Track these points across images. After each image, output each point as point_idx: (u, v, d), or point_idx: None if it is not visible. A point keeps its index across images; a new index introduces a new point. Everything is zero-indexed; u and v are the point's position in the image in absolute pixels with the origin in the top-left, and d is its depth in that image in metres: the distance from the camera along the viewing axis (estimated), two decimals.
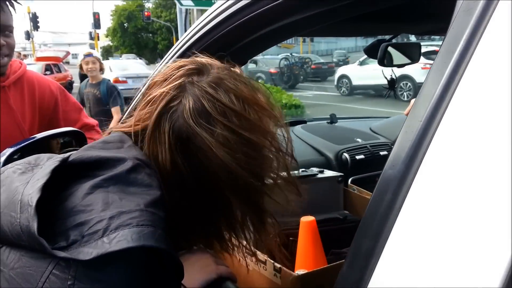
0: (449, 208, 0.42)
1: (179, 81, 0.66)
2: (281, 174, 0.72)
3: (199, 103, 0.63)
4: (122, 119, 1.24)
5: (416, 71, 11.42)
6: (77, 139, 1.29)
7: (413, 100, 1.97)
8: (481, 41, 0.43)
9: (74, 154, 0.62)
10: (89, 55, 4.17)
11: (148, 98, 0.68)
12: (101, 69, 4.24)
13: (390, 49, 1.65)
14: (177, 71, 0.68)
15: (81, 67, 4.17)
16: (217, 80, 0.66)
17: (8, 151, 1.14)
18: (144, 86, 1.19)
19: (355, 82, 14.38)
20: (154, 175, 0.61)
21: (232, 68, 0.71)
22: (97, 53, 4.32)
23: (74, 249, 0.50)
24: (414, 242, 0.43)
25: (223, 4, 1.01)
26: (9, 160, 1.11)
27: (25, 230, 0.52)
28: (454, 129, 0.43)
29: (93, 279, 0.50)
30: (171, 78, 0.67)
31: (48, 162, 0.60)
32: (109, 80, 4.61)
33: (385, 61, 1.60)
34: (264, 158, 0.69)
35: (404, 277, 0.43)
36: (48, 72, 16.45)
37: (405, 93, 12.27)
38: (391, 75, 1.99)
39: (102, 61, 4.38)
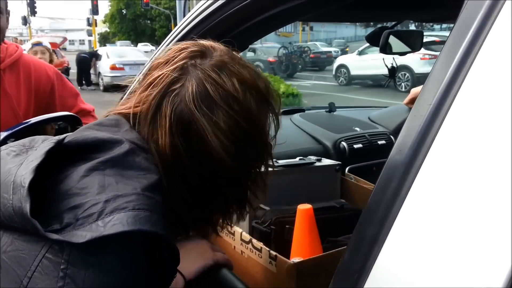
0: (457, 195, 0.40)
1: (182, 63, 0.64)
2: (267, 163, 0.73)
3: (202, 87, 0.62)
4: (121, 101, 1.22)
5: (415, 61, 11.40)
6: (73, 124, 1.27)
7: (413, 89, 1.97)
8: (495, 23, 0.41)
9: (69, 136, 0.60)
10: (37, 44, 3.78)
11: (150, 79, 0.66)
12: (51, 60, 3.73)
13: (391, 37, 1.63)
14: (179, 53, 0.66)
15: None
16: (220, 64, 0.64)
17: (1, 135, 1.13)
18: (144, 69, 1.17)
19: (354, 72, 14.34)
20: (151, 159, 0.60)
21: (234, 52, 0.70)
22: (47, 42, 3.98)
23: (68, 232, 0.49)
24: (419, 230, 0.42)
25: None
26: (3, 144, 1.09)
27: (17, 211, 0.50)
28: (466, 113, 0.42)
29: (87, 263, 0.49)
30: (173, 60, 0.66)
31: (43, 144, 0.59)
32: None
33: (387, 49, 1.58)
34: (258, 146, 0.68)
35: (408, 265, 0.42)
36: None
37: (403, 84, 12.24)
38: (392, 64, 1.97)
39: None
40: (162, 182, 0.59)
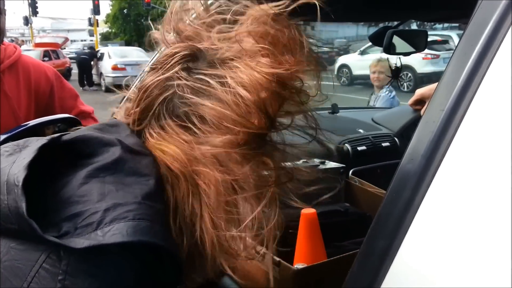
0: (474, 206, 0.38)
1: (174, 68, 0.62)
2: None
3: (193, 91, 0.60)
4: (120, 105, 1.20)
5: (417, 61, 11.36)
6: (72, 126, 1.25)
7: (418, 90, 1.95)
8: None
9: (68, 134, 0.59)
10: None
11: (143, 87, 0.64)
12: None
13: (395, 37, 1.61)
14: (171, 58, 0.64)
15: None
16: (212, 64, 0.62)
17: (1, 137, 1.11)
18: (137, 81, 1.16)
19: (356, 71, 14.31)
20: (152, 164, 0.58)
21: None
22: None
23: (66, 239, 0.47)
24: (433, 243, 0.40)
25: None
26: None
27: (13, 211, 0.49)
28: (483, 118, 0.40)
29: (86, 274, 0.48)
30: (165, 66, 0.64)
31: (36, 142, 0.57)
32: None
33: (391, 49, 1.57)
34: (261, 141, 0.66)
35: (421, 279, 0.40)
36: (46, 59, 16.36)
37: (405, 84, 12.20)
38: (396, 64, 1.95)
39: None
40: (162, 188, 0.57)
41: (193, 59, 0.63)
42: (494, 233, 0.37)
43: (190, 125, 0.60)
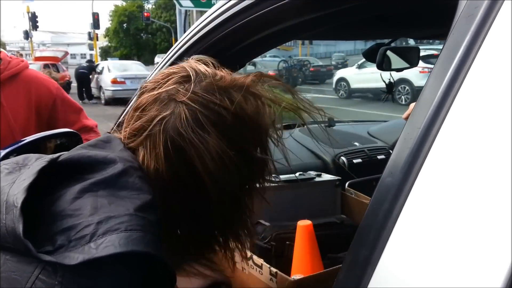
0: (447, 216, 0.41)
1: (170, 89, 0.64)
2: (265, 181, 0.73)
3: (192, 112, 0.62)
4: (116, 123, 1.23)
5: (414, 74, 11.45)
6: (74, 140, 1.28)
7: (412, 104, 1.97)
8: (482, 47, 0.42)
9: (64, 155, 0.60)
10: None
11: (139, 106, 0.66)
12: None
13: (388, 53, 1.65)
14: (168, 79, 0.66)
15: None
16: (209, 88, 0.64)
17: (2, 152, 1.13)
18: (138, 91, 1.18)
19: (354, 85, 14.40)
20: (145, 179, 0.60)
21: (224, 73, 0.69)
22: None
23: (60, 254, 0.49)
24: (411, 251, 0.42)
25: (222, 6, 1.00)
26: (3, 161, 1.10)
27: (10, 231, 0.50)
28: (454, 136, 0.43)
29: (81, 285, 0.49)
30: (162, 86, 0.66)
31: (36, 162, 0.59)
32: None
33: (384, 65, 1.60)
34: (255, 164, 0.69)
35: (401, 285, 0.42)
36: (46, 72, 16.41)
37: (403, 97, 12.29)
38: (389, 79, 1.98)
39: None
40: (155, 202, 0.58)
41: (189, 80, 0.66)
42: (468, 241, 0.39)
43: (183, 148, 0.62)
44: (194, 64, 0.69)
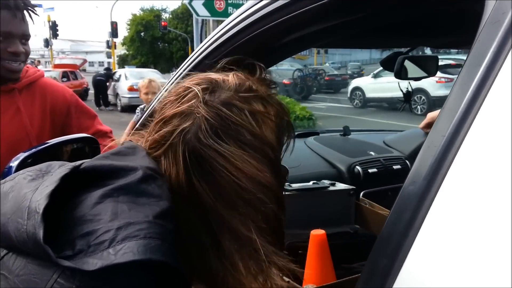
0: (471, 226, 0.39)
1: (192, 101, 0.65)
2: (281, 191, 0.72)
3: (213, 122, 0.62)
4: (135, 129, 1.24)
5: (431, 84, 11.36)
6: (90, 145, 1.29)
7: (429, 114, 1.95)
8: (510, 54, 0.41)
9: (86, 162, 0.61)
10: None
11: (160, 117, 0.67)
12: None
13: (406, 62, 1.64)
14: (189, 89, 0.67)
15: None
16: (229, 99, 0.64)
17: (21, 155, 1.15)
18: (155, 101, 1.19)
19: (369, 94, 14.34)
20: (165, 186, 0.60)
21: (245, 81, 0.70)
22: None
23: (79, 259, 0.49)
24: (434, 261, 0.41)
25: (238, 16, 1.01)
26: (22, 164, 1.11)
27: (31, 237, 0.51)
28: (480, 145, 0.41)
29: None
30: (183, 97, 0.66)
31: (59, 169, 0.60)
32: None
33: (402, 74, 1.59)
34: (277, 173, 0.68)
35: None
36: (65, 79, 16.80)
37: (419, 107, 12.17)
38: (407, 88, 1.96)
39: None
40: (174, 210, 0.59)
41: (210, 91, 0.66)
42: (493, 252, 0.38)
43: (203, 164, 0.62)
44: (215, 75, 0.70)
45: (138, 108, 3.83)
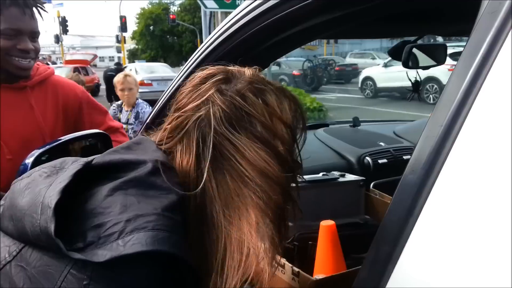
0: (469, 214, 0.41)
1: (208, 89, 0.66)
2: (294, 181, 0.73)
3: (227, 110, 0.63)
4: (145, 124, 1.26)
5: (443, 73, 11.17)
6: (103, 141, 1.32)
7: None
8: (505, 44, 0.42)
9: (97, 158, 0.63)
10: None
11: (177, 106, 0.69)
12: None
13: (415, 50, 1.62)
14: (205, 79, 0.68)
15: None
16: (245, 89, 0.66)
17: (36, 152, 1.18)
18: (167, 91, 1.21)
19: (380, 84, 14.18)
20: (175, 178, 0.62)
21: (260, 76, 0.71)
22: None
23: (90, 251, 0.51)
24: (432, 248, 0.42)
25: (246, 7, 1.02)
26: (37, 161, 1.14)
27: (43, 231, 0.53)
28: (476, 134, 0.42)
29: (109, 280, 0.51)
30: (200, 87, 0.68)
31: (72, 165, 0.62)
32: None
33: (410, 63, 1.58)
34: (285, 166, 0.69)
35: (421, 283, 0.42)
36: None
37: (431, 96, 12.02)
38: (416, 77, 1.95)
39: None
40: (183, 202, 0.60)
41: (226, 81, 0.67)
42: (490, 239, 0.39)
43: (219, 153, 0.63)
44: (231, 66, 0.71)
45: (114, 104, 3.83)
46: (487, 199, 0.40)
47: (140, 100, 3.57)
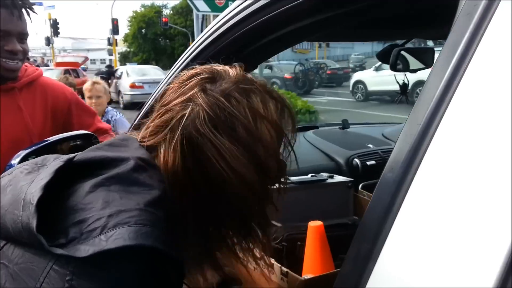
0: (446, 210, 0.41)
1: (193, 88, 0.66)
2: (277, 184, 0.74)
3: (211, 111, 0.63)
4: (133, 125, 1.26)
5: None
6: (90, 142, 1.31)
7: None
8: (480, 45, 0.43)
9: (79, 155, 0.63)
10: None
11: (162, 104, 0.69)
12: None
13: (403, 54, 1.64)
14: (192, 78, 0.69)
15: None
16: (229, 90, 0.66)
17: (22, 153, 1.17)
18: (155, 92, 1.21)
19: (371, 87, 14.27)
20: (157, 175, 0.62)
21: (246, 76, 0.71)
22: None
23: (72, 247, 0.51)
24: (411, 245, 0.43)
25: (236, 7, 1.02)
26: (23, 162, 1.13)
27: (25, 227, 0.53)
28: (453, 132, 0.43)
29: (92, 275, 0.51)
30: (185, 85, 0.68)
31: (53, 162, 0.62)
32: None
33: (397, 66, 1.59)
34: (269, 167, 0.69)
35: (401, 279, 0.43)
36: None
37: None
38: (403, 80, 1.97)
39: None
40: (165, 198, 0.60)
41: (211, 80, 0.68)
42: (468, 235, 0.40)
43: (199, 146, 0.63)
44: (217, 66, 0.71)
45: None
46: (464, 196, 0.41)
47: (109, 108, 3.51)
